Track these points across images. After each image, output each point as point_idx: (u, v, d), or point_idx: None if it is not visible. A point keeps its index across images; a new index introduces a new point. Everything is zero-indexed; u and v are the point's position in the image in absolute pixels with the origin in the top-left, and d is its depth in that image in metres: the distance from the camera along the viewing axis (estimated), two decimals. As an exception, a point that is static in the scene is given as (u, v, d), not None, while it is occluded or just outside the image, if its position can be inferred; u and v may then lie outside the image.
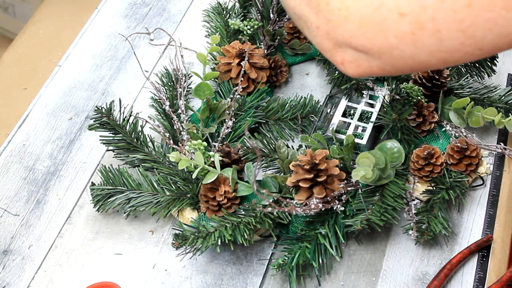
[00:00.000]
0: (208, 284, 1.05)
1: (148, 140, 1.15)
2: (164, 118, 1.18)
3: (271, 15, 1.32)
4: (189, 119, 1.19)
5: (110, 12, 1.44)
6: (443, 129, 1.17)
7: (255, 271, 1.07)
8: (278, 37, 1.30)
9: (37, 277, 1.07)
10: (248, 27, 1.29)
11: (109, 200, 1.09)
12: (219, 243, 1.01)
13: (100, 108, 1.13)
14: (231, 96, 1.21)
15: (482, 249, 1.08)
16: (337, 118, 1.18)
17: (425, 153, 1.09)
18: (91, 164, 1.20)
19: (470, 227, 1.11)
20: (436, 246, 1.09)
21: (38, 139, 1.23)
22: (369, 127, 1.17)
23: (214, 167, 1.05)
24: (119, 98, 1.17)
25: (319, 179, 1.03)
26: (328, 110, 1.23)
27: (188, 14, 1.44)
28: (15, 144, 1.22)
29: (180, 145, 1.15)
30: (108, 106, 1.13)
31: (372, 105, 1.21)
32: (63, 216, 1.13)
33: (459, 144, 1.10)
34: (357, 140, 1.14)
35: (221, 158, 1.07)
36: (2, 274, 1.07)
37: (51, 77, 1.33)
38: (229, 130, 1.16)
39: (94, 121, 1.13)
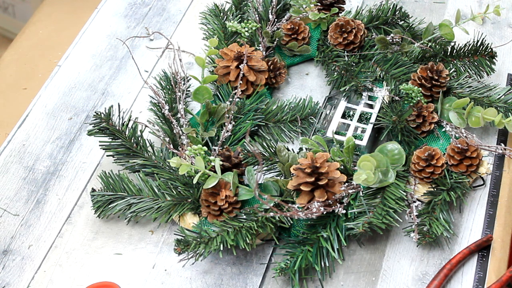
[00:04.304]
0: (208, 284, 1.06)
1: (148, 144, 1.15)
2: (164, 122, 1.18)
3: (270, 16, 1.32)
4: (189, 123, 1.19)
5: (110, 12, 1.44)
6: (443, 130, 1.17)
7: (255, 271, 1.07)
8: (277, 39, 1.30)
9: (37, 277, 1.07)
10: (246, 29, 1.29)
11: (109, 206, 1.09)
12: (221, 248, 1.01)
13: (99, 113, 1.13)
14: (230, 99, 1.21)
15: (482, 249, 1.08)
16: (336, 120, 1.18)
17: (425, 155, 1.09)
18: (91, 164, 1.20)
19: (470, 227, 1.11)
20: (436, 246, 1.09)
21: (38, 139, 1.23)
22: (369, 128, 1.17)
23: (215, 171, 1.05)
24: (118, 103, 1.17)
25: (320, 182, 1.03)
26: (328, 112, 1.23)
27: (188, 14, 1.44)
28: (15, 144, 1.22)
29: (180, 149, 1.15)
30: (107, 111, 1.13)
31: (371, 106, 1.21)
32: (63, 216, 1.13)
33: (459, 145, 1.10)
34: (357, 142, 1.14)
35: (221, 163, 1.07)
36: (2, 274, 1.07)
37: (51, 77, 1.33)
38: (229, 133, 1.16)
39: (93, 126, 1.13)
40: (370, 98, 1.22)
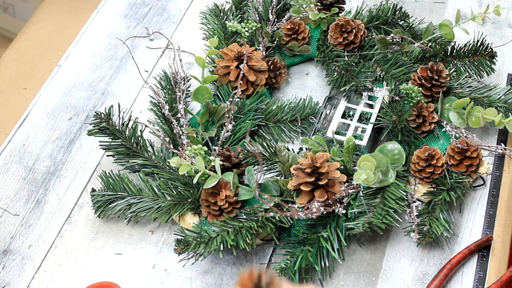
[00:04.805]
0: (208, 284, 1.05)
1: (148, 144, 1.15)
2: (164, 122, 1.18)
3: (270, 16, 1.32)
4: (189, 123, 1.19)
5: (110, 12, 1.44)
6: (443, 130, 1.17)
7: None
8: (277, 39, 1.30)
9: (37, 277, 1.07)
10: (246, 29, 1.29)
11: (109, 206, 1.09)
12: (222, 248, 1.01)
13: (99, 113, 1.13)
14: (230, 99, 1.21)
15: (482, 249, 1.08)
16: (336, 120, 1.18)
17: (425, 155, 1.09)
18: (91, 164, 1.20)
19: (470, 227, 1.11)
20: (436, 246, 1.09)
21: (38, 139, 1.23)
22: (369, 128, 1.17)
23: (215, 171, 1.05)
24: (118, 103, 1.17)
25: (320, 182, 1.03)
26: (328, 112, 1.23)
27: (188, 14, 1.44)
28: (15, 144, 1.22)
29: (180, 149, 1.15)
30: (107, 111, 1.13)
31: (371, 106, 1.21)
32: (63, 216, 1.13)
33: (459, 145, 1.10)
34: (357, 142, 1.14)
35: (221, 163, 1.07)
36: (2, 274, 1.07)
37: (51, 77, 1.33)
38: (229, 133, 1.16)
39: (93, 126, 1.13)
40: (370, 98, 1.22)
